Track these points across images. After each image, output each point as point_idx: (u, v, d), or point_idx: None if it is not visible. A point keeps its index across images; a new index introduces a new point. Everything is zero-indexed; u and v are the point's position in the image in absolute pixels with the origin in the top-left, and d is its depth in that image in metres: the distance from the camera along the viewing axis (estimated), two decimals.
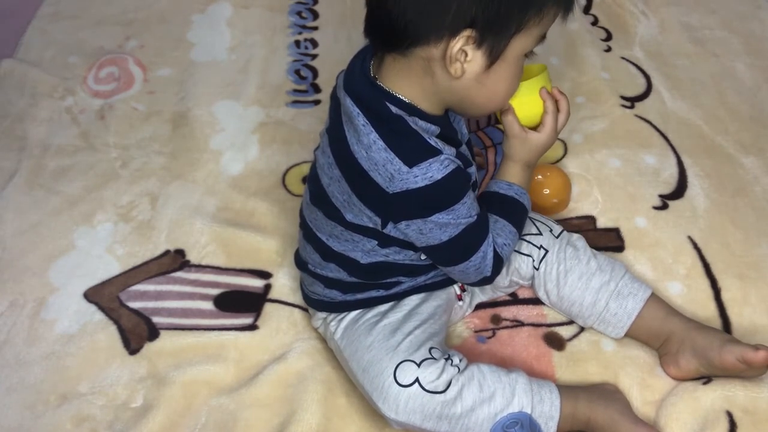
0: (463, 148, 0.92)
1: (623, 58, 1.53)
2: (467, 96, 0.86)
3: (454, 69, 0.82)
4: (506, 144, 0.98)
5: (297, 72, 1.52)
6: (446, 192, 0.86)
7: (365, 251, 0.95)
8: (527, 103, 0.96)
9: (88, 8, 1.67)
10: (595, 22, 1.62)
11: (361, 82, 0.87)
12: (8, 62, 1.52)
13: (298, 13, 1.67)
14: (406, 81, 0.85)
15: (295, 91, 1.48)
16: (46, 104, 1.44)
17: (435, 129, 0.87)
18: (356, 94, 0.86)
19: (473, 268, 0.93)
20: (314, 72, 1.52)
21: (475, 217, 0.90)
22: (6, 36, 1.59)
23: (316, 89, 1.48)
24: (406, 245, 0.93)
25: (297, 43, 1.59)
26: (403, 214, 0.88)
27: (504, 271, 1.07)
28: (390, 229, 0.90)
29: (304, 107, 1.44)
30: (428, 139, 0.85)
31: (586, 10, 1.66)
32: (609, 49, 1.55)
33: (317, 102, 1.45)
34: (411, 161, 0.83)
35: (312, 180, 0.97)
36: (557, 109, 0.97)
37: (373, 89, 0.86)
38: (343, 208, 0.91)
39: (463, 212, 0.88)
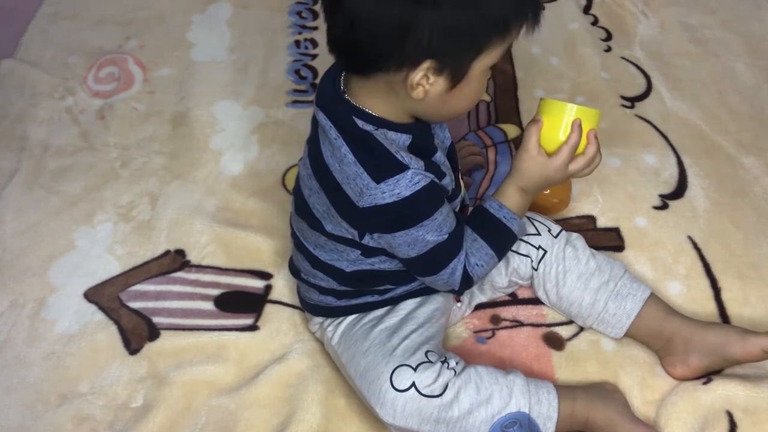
0: (437, 156, 0.91)
1: (623, 58, 1.53)
2: (432, 112, 0.87)
3: (416, 94, 0.82)
4: (516, 155, 0.95)
5: (297, 72, 1.52)
6: (415, 208, 0.86)
7: (350, 260, 0.95)
8: (555, 126, 0.92)
9: (88, 8, 1.67)
10: (595, 22, 1.62)
11: (331, 97, 0.87)
12: (8, 62, 1.52)
13: (298, 13, 1.67)
14: (372, 98, 0.85)
15: (295, 91, 1.48)
16: (46, 104, 1.44)
17: (406, 138, 0.87)
18: (327, 109, 0.87)
19: (441, 281, 0.94)
20: (314, 72, 1.52)
21: (446, 236, 0.89)
22: (6, 36, 1.59)
23: (316, 89, 1.48)
24: (392, 254, 0.93)
25: (297, 43, 1.59)
26: (373, 227, 0.88)
27: (503, 271, 1.07)
28: (368, 240, 0.90)
29: (303, 107, 1.44)
30: (395, 154, 0.84)
31: (586, 10, 1.65)
32: (609, 49, 1.55)
33: None
34: (378, 177, 0.83)
35: (296, 191, 0.98)
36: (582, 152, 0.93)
37: (342, 105, 0.86)
38: (323, 219, 0.92)
39: (433, 228, 0.88)
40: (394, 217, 0.86)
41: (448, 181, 0.91)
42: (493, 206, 0.95)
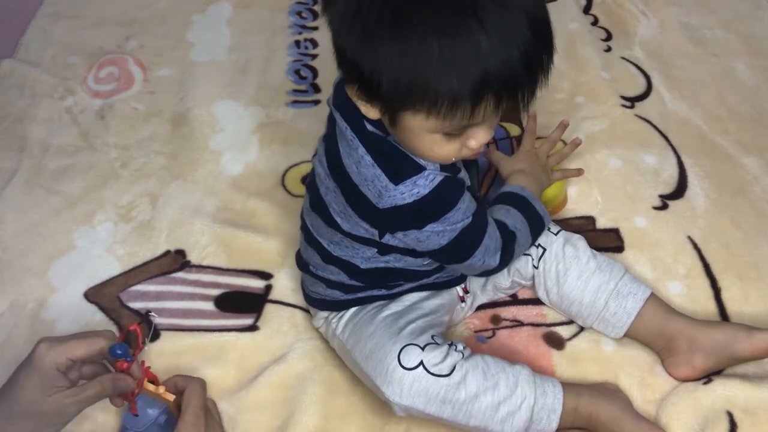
0: None
1: (623, 58, 1.53)
2: (398, 138, 0.83)
3: (363, 109, 0.81)
4: (500, 168, 1.12)
5: (297, 72, 1.52)
6: (436, 204, 0.86)
7: (365, 258, 0.95)
8: None
9: (88, 8, 1.67)
10: (595, 22, 1.62)
11: (343, 99, 0.86)
12: (8, 62, 1.52)
13: (298, 13, 1.67)
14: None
15: (295, 91, 1.48)
16: (46, 104, 1.44)
17: None
18: (342, 110, 0.86)
19: (479, 262, 0.94)
20: (314, 72, 1.52)
21: (471, 217, 0.89)
22: (6, 36, 1.59)
23: (316, 89, 1.48)
24: (407, 252, 0.93)
25: (297, 43, 1.59)
26: (397, 226, 0.88)
27: (505, 272, 1.07)
28: (388, 239, 0.90)
29: (304, 107, 1.44)
30: (411, 155, 0.84)
31: (586, 10, 1.65)
32: (609, 49, 1.55)
33: (317, 102, 1.45)
34: (396, 178, 0.83)
35: (311, 187, 0.97)
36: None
37: (351, 107, 0.84)
38: (339, 218, 0.91)
39: (458, 218, 0.88)
40: (417, 215, 0.85)
41: (463, 175, 0.91)
42: (515, 188, 1.04)
